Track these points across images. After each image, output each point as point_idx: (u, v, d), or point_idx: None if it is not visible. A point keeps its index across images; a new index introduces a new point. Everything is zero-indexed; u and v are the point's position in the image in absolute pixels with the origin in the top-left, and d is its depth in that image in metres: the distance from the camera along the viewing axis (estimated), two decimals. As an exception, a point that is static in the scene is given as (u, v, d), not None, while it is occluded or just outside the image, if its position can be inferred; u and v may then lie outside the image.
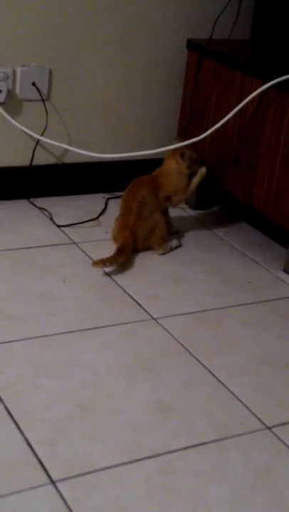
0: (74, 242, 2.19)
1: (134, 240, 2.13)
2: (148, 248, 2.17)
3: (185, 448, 1.44)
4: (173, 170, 2.22)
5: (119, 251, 2.05)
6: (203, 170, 2.26)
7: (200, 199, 2.52)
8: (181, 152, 2.21)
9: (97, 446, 1.41)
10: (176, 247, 2.22)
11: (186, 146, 2.25)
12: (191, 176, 2.25)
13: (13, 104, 2.32)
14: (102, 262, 1.99)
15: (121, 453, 1.40)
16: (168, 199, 2.22)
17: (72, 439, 1.42)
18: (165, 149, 2.32)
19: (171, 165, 2.22)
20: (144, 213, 2.14)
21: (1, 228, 2.23)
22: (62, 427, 1.45)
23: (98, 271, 2.01)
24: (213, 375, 1.66)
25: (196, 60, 2.40)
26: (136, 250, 2.15)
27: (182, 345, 1.76)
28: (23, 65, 2.30)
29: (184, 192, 2.24)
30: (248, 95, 2.16)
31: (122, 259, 2.05)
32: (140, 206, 2.14)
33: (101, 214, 2.38)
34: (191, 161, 2.22)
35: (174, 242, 2.22)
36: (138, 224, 2.13)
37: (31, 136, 2.36)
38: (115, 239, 2.14)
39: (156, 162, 2.32)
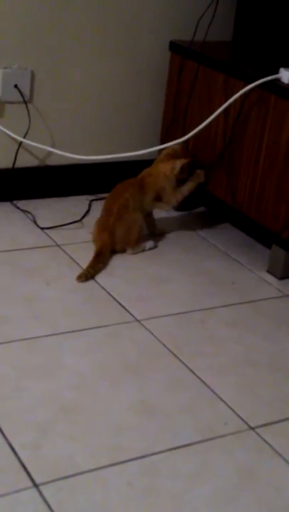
0: (57, 245, 2.18)
1: (113, 240, 2.13)
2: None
3: (169, 449, 1.43)
4: (162, 173, 2.21)
5: (98, 255, 2.06)
6: (201, 176, 2.26)
7: (183, 200, 2.52)
8: (182, 165, 2.20)
9: (81, 449, 1.41)
10: (151, 248, 2.22)
11: (184, 150, 2.26)
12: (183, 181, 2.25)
13: (-5, 106, 2.32)
14: (85, 276, 1.99)
15: (105, 455, 1.40)
16: (159, 198, 2.22)
17: (56, 442, 1.41)
18: (148, 151, 2.32)
19: (163, 169, 2.22)
20: (125, 214, 2.14)
21: (-16, 231, 2.22)
22: (45, 430, 1.44)
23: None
24: (197, 376, 1.66)
25: (179, 61, 2.40)
26: (115, 251, 2.15)
27: (166, 347, 1.76)
28: (5, 67, 2.29)
29: (174, 192, 2.23)
30: (230, 97, 2.17)
31: (101, 264, 2.05)
32: (121, 208, 2.14)
33: (84, 216, 2.37)
34: (183, 173, 2.22)
35: (149, 244, 2.22)
36: (117, 224, 2.13)
37: (14, 139, 2.35)
38: (94, 240, 2.14)
39: (139, 164, 2.31)
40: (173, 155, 2.26)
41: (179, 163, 2.21)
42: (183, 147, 2.29)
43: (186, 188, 2.25)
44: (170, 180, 2.21)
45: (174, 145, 2.28)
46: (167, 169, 2.21)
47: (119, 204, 2.14)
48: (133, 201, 2.15)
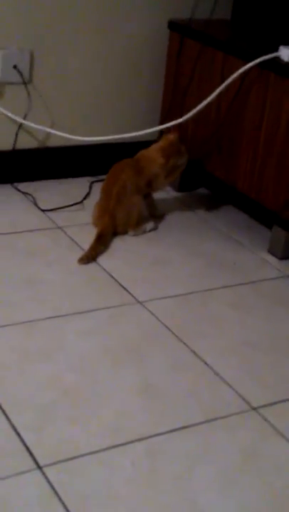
0: (58, 227, 2.18)
1: (114, 223, 2.13)
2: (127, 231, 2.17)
3: (171, 431, 1.44)
4: (155, 160, 2.20)
5: (99, 237, 2.05)
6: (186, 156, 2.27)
7: (184, 181, 2.51)
8: (167, 158, 2.20)
9: (84, 431, 1.41)
10: (151, 230, 2.21)
11: (173, 131, 2.25)
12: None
13: (-6, 87, 2.30)
14: (86, 258, 1.99)
15: (107, 437, 1.41)
16: (149, 184, 2.21)
17: (59, 424, 1.42)
18: (149, 131, 2.31)
19: (155, 158, 2.21)
20: (124, 197, 2.13)
21: (-15, 213, 2.22)
22: (48, 412, 1.45)
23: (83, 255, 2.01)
24: (199, 358, 1.67)
25: (178, 40, 2.38)
26: (116, 234, 2.15)
27: (168, 328, 1.76)
28: (4, 48, 2.28)
29: (165, 178, 2.23)
30: (230, 75, 2.15)
31: (102, 246, 2.05)
32: (120, 190, 2.13)
33: (85, 198, 2.37)
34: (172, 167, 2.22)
35: (150, 225, 2.22)
36: (117, 208, 2.13)
37: (13, 120, 2.34)
38: (95, 223, 2.14)
39: (140, 144, 2.31)
40: (169, 146, 2.23)
41: (165, 157, 2.20)
42: (176, 136, 2.26)
43: (173, 177, 2.27)
44: (163, 170, 2.21)
45: (169, 135, 2.25)
46: (161, 160, 2.20)
47: (118, 187, 2.13)
48: (130, 183, 2.15)
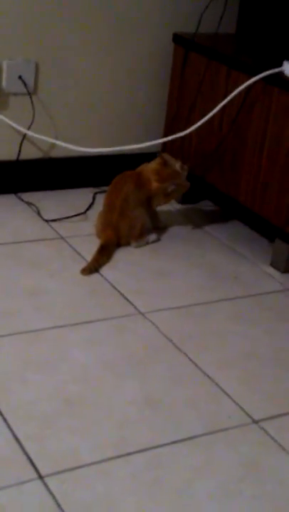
0: (62, 237, 2.19)
1: (117, 236, 2.14)
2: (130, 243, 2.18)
3: (173, 442, 1.44)
4: (151, 182, 2.20)
5: (102, 249, 2.06)
6: (186, 184, 2.26)
7: (186, 194, 2.52)
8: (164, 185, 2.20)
9: (85, 441, 1.41)
10: (154, 242, 2.22)
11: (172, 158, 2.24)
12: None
13: (-1, 98, 2.32)
14: (89, 269, 1.99)
15: (109, 448, 1.41)
16: (149, 200, 2.21)
17: (60, 434, 1.42)
18: (153, 143, 2.32)
19: (151, 180, 2.20)
20: (127, 210, 2.14)
21: (-12, 223, 2.23)
22: (50, 422, 1.45)
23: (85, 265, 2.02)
24: (201, 370, 1.67)
25: (183, 54, 2.40)
26: (119, 245, 2.15)
27: (170, 340, 1.76)
28: (10, 59, 2.29)
29: (164, 198, 2.24)
30: (234, 89, 2.17)
31: (105, 258, 2.06)
32: (123, 203, 2.14)
33: (89, 208, 2.38)
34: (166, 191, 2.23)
35: (152, 237, 2.22)
36: (120, 220, 2.13)
37: (18, 131, 2.35)
38: (98, 235, 2.15)
39: (143, 156, 2.32)
40: (164, 164, 2.22)
41: (160, 182, 2.19)
42: (166, 156, 2.26)
43: (173, 195, 2.27)
44: (159, 192, 2.21)
45: (164, 155, 2.24)
46: (155, 185, 2.19)
47: (120, 199, 2.14)
48: (133, 195, 2.15)
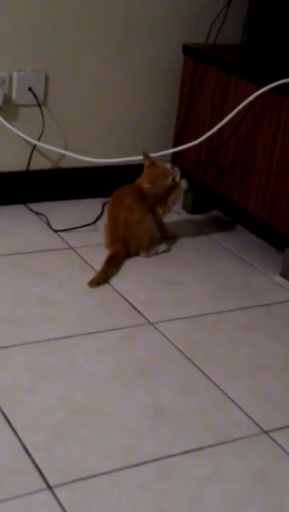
0: (71, 247, 2.19)
1: (126, 248, 2.14)
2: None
3: (182, 453, 1.44)
4: (143, 187, 2.18)
5: (110, 260, 2.06)
6: (183, 185, 2.23)
7: (196, 203, 2.53)
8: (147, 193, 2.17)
9: (95, 451, 1.41)
10: (164, 252, 2.22)
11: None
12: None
13: (9, 109, 2.33)
14: (97, 281, 1.99)
15: (118, 458, 1.40)
16: (152, 209, 2.20)
17: (70, 444, 1.42)
18: (162, 154, 2.33)
19: (142, 184, 2.18)
20: (132, 221, 2.13)
21: (-2, 233, 2.23)
22: (59, 432, 1.45)
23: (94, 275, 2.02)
24: (210, 380, 1.67)
25: (192, 64, 2.40)
26: (128, 256, 2.15)
27: (179, 350, 1.76)
28: (20, 70, 2.31)
29: (164, 205, 2.22)
30: (243, 99, 2.17)
31: (114, 269, 2.06)
32: (127, 214, 2.13)
33: (98, 219, 2.38)
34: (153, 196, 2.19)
35: (162, 247, 2.22)
36: (127, 232, 2.13)
37: (28, 141, 2.36)
38: (107, 247, 2.15)
39: (152, 166, 2.32)
40: (151, 164, 2.20)
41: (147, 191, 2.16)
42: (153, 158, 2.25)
43: (171, 199, 2.23)
44: (153, 194, 2.18)
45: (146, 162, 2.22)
46: (147, 185, 2.16)
47: (123, 211, 2.12)
48: (135, 205, 2.14)
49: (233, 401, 1.60)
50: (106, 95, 2.46)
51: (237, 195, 2.30)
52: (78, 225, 2.31)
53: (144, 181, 2.18)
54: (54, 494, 1.30)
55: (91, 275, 2.01)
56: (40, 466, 1.36)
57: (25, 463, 1.36)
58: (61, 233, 2.26)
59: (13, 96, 2.32)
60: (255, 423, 1.54)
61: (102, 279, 2.00)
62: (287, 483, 1.40)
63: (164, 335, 1.81)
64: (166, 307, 1.94)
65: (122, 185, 2.20)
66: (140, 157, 2.31)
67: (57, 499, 1.29)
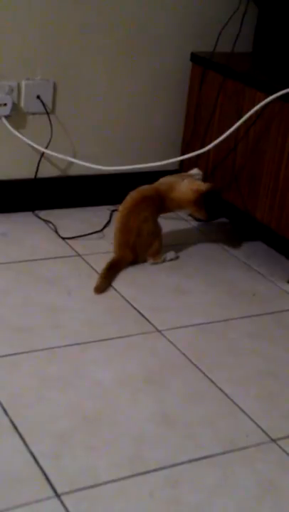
0: (79, 255, 2.19)
1: (135, 255, 2.14)
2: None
3: (190, 461, 1.43)
4: (186, 203, 2.19)
5: (111, 267, 2.06)
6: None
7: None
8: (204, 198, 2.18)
9: (102, 459, 1.41)
10: (172, 259, 2.22)
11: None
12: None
13: (17, 117, 2.33)
14: (101, 288, 1.99)
15: (126, 466, 1.40)
16: (166, 209, 2.22)
17: (77, 452, 1.42)
18: (170, 161, 2.33)
19: (186, 201, 2.19)
20: (145, 232, 2.13)
21: (6, 241, 2.24)
22: (67, 440, 1.44)
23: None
24: (218, 388, 1.66)
25: (200, 72, 2.41)
26: (136, 262, 2.16)
27: (187, 358, 1.76)
28: (28, 78, 2.32)
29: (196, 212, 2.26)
30: (251, 108, 2.17)
31: (115, 275, 2.07)
32: (142, 226, 2.12)
33: (106, 226, 2.38)
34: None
35: (170, 254, 2.22)
36: (138, 241, 2.13)
37: (36, 149, 2.37)
38: (114, 251, 2.15)
39: (160, 174, 2.32)
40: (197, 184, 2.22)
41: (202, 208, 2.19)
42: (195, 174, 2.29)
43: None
44: (194, 205, 2.20)
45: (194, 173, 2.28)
46: (192, 197, 2.18)
47: (139, 222, 2.12)
48: (152, 216, 2.15)
49: (241, 409, 1.60)
50: (114, 103, 2.46)
51: (245, 203, 2.29)
52: (86, 233, 2.31)
53: (189, 191, 2.18)
54: (62, 502, 1.30)
55: (99, 283, 2.01)
56: (48, 473, 1.36)
57: (33, 471, 1.36)
58: (69, 241, 2.27)
59: (22, 104, 2.33)
60: (264, 431, 1.54)
61: (105, 284, 2.00)
62: (296, 492, 1.39)
63: (171, 342, 1.81)
64: (174, 315, 1.94)
65: (139, 189, 2.16)
66: (149, 164, 2.32)
67: (65, 507, 1.29)
